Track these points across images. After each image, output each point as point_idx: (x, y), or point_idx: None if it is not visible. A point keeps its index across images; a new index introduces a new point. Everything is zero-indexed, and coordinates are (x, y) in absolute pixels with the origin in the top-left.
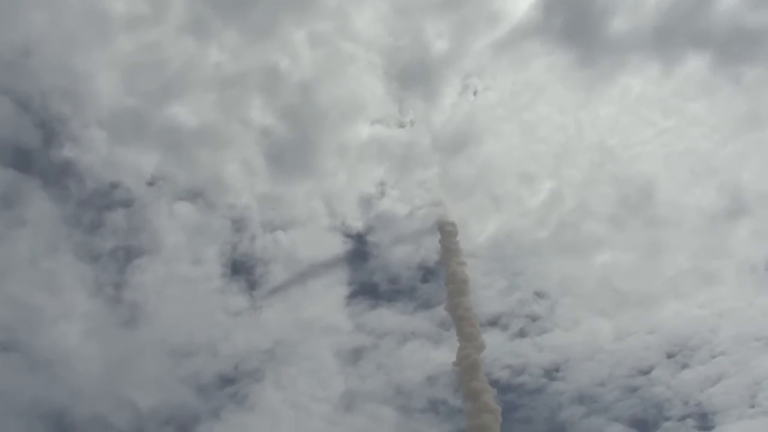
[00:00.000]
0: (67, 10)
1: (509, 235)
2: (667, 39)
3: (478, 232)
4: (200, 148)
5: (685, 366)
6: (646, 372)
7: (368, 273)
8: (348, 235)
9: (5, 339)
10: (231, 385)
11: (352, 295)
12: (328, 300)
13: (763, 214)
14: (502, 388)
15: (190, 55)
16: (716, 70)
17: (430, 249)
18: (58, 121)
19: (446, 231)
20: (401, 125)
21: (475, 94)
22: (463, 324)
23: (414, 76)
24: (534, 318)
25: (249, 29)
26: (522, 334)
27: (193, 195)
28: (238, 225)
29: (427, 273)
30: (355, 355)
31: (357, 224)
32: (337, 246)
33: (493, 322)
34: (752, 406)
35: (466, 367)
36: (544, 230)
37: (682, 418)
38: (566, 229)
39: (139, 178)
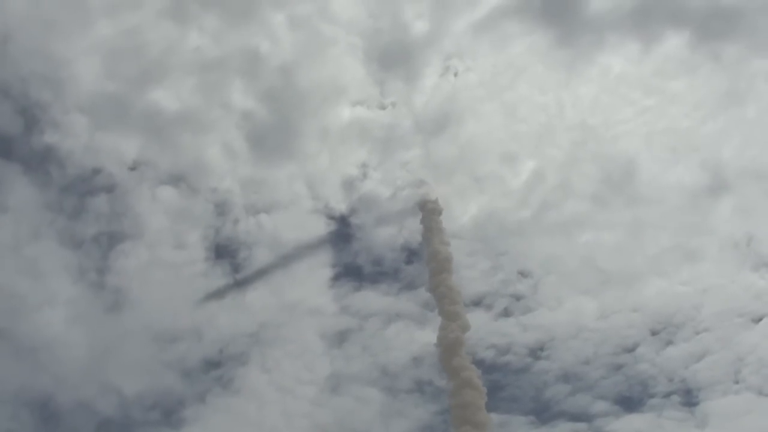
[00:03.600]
0: None
1: (492, 215)
2: (646, 17)
3: (460, 213)
4: (182, 133)
5: (669, 343)
6: (630, 349)
7: (352, 255)
8: (331, 218)
9: None
10: (216, 369)
11: (336, 277)
12: (312, 282)
13: (744, 191)
14: (488, 368)
15: (170, 39)
16: (695, 48)
17: (413, 230)
18: (38, 107)
19: (428, 209)
20: (382, 107)
21: (455, 75)
22: (445, 302)
23: (394, 58)
24: (518, 297)
25: (229, 12)
26: (506, 313)
27: (176, 179)
28: (221, 209)
29: (411, 254)
30: (340, 337)
31: (340, 206)
32: (320, 228)
33: (477, 303)
34: (736, 382)
35: (448, 346)
36: (527, 210)
37: (667, 395)
38: (549, 208)
39: (121, 164)
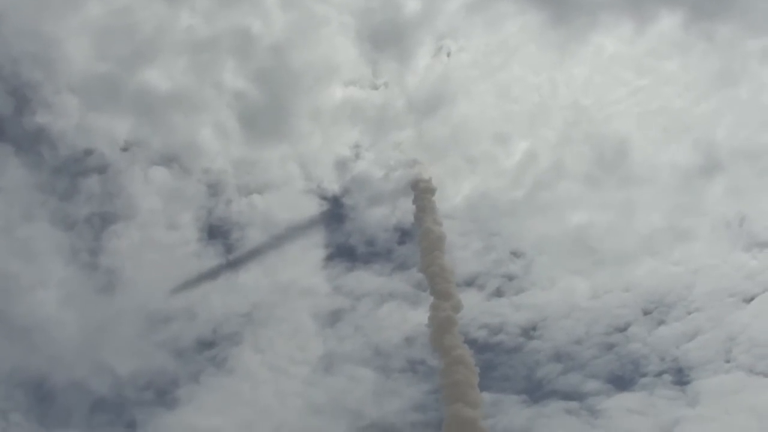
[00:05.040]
0: None
1: (485, 195)
2: None
3: (453, 193)
4: (174, 113)
5: (661, 322)
6: (622, 329)
7: (345, 235)
8: (324, 198)
9: None
10: (209, 349)
11: (329, 258)
12: (305, 263)
13: (736, 171)
14: (480, 347)
15: (162, 19)
16: (689, 28)
17: (406, 210)
18: (29, 88)
19: (421, 189)
20: (375, 87)
21: (448, 55)
22: (437, 281)
23: (387, 38)
24: (510, 277)
25: None
26: (498, 293)
27: (168, 160)
28: (214, 189)
29: (404, 234)
30: (333, 317)
31: (333, 187)
32: (313, 209)
33: (470, 283)
34: (727, 361)
35: (439, 324)
36: (520, 190)
37: (659, 374)
38: (541, 188)
39: (113, 144)
